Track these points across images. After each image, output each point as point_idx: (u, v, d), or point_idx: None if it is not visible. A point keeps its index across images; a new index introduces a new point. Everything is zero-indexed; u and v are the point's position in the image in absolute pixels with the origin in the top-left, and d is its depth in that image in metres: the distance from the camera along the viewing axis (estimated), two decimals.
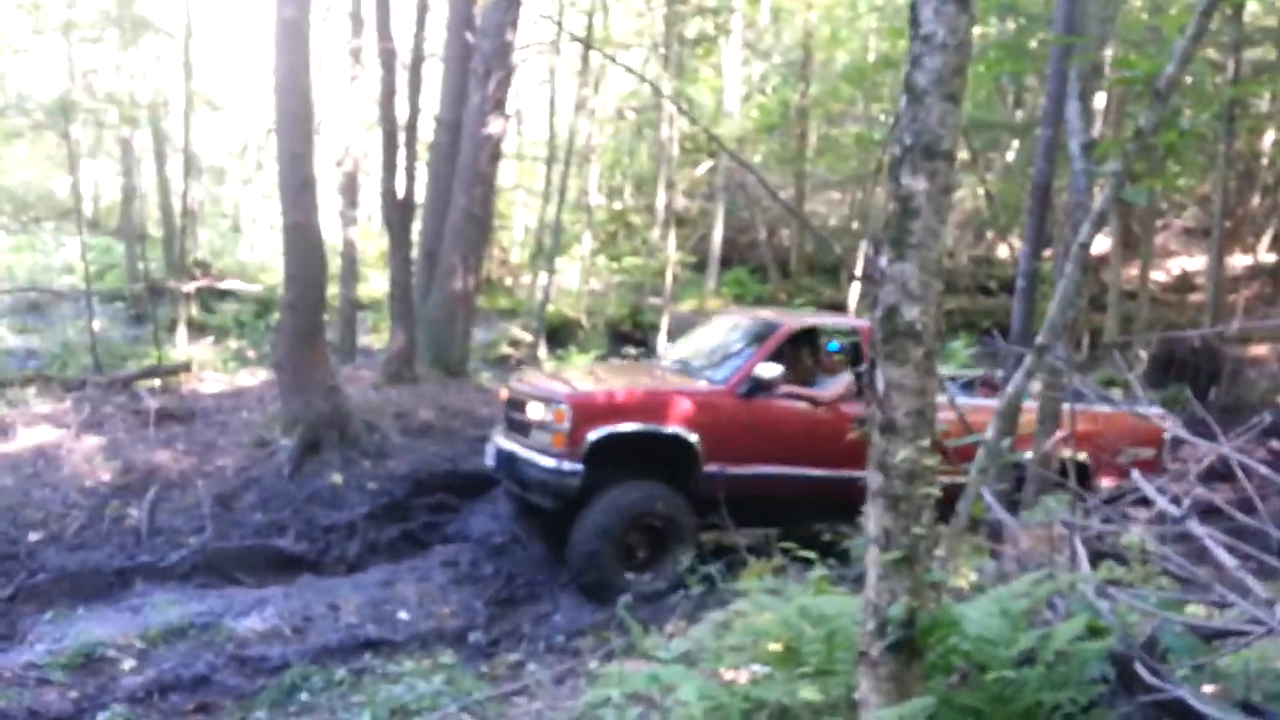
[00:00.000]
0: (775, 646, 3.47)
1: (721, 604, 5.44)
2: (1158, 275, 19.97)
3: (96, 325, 11.81)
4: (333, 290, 12.67)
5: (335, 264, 13.69)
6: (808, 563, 4.91)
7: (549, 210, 17.99)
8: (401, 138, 11.64)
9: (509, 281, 20.84)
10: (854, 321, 9.02)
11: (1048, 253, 10.83)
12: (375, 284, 17.08)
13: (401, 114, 11.88)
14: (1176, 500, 3.88)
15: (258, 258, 18.88)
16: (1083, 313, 16.80)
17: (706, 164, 21.51)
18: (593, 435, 7.16)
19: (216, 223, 20.42)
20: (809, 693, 2.80)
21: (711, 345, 8.64)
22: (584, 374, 9.00)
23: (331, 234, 13.21)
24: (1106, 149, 3.50)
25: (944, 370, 8.90)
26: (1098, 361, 14.94)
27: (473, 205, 12.02)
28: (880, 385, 2.53)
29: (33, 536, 7.54)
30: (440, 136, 12.71)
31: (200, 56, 17.62)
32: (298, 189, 10.65)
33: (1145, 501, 4.92)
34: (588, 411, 7.25)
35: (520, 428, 7.67)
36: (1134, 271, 18.51)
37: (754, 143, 21.21)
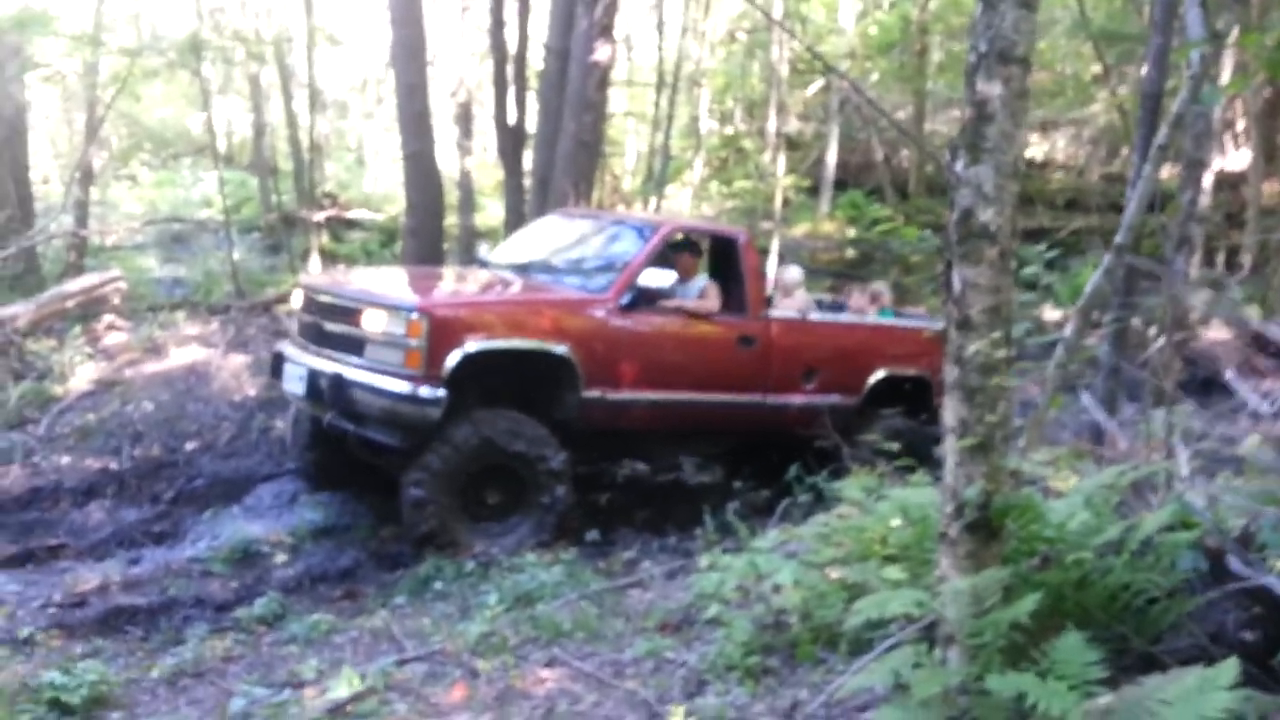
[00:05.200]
0: (869, 538, 3.69)
1: (827, 511, 5.66)
2: None
3: (236, 254, 12.53)
4: (452, 220, 13.11)
5: (454, 195, 14.14)
6: (910, 469, 5.11)
7: (659, 137, 18.06)
8: (512, 67, 11.88)
9: (622, 209, 21.06)
10: (733, 230, 8.23)
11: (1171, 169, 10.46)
12: (492, 212, 17.52)
13: (512, 43, 12.11)
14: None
15: (381, 189, 19.53)
16: (1219, 230, 16.17)
17: (817, 84, 21.14)
18: (457, 353, 5.95)
19: (342, 156, 21.14)
20: (893, 572, 3.02)
21: (561, 248, 7.47)
22: (413, 279, 7.72)
23: (449, 164, 13.62)
24: (1185, 50, 3.46)
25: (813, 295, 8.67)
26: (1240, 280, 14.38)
27: (582, 132, 12.19)
28: (956, 284, 2.68)
29: (189, 446, 8.28)
30: (550, 64, 12.88)
31: None
32: (415, 119, 11.06)
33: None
34: (451, 324, 6.01)
35: (343, 342, 6.26)
36: (1277, 187, 17.59)
37: (871, 60, 20.71)
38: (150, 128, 21.32)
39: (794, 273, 8.35)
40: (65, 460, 7.86)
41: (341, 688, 3.88)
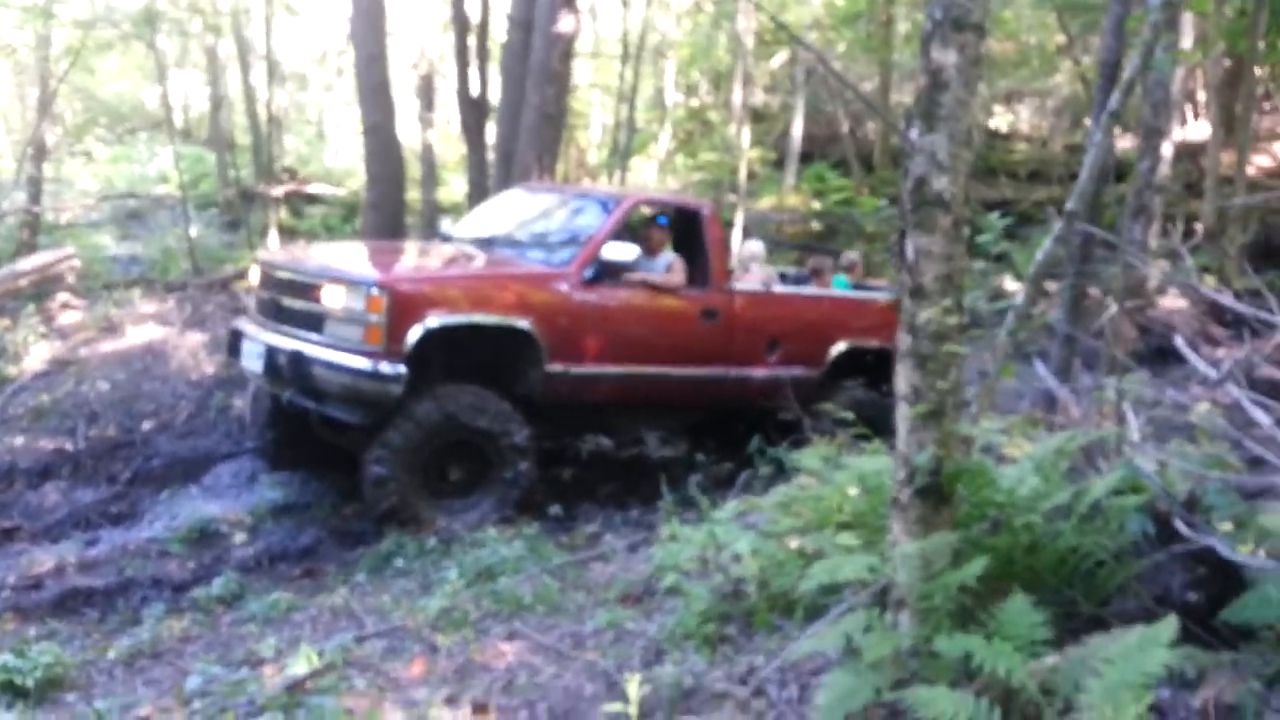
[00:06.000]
0: (827, 507, 3.71)
1: (788, 482, 5.69)
2: (1262, 160, 19.10)
3: (193, 231, 12.34)
4: (414, 194, 12.94)
5: (416, 168, 13.97)
6: (867, 438, 5.12)
7: (624, 109, 17.97)
8: (474, 38, 11.75)
9: (586, 182, 20.94)
10: (697, 202, 8.03)
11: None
12: (455, 187, 17.36)
13: (474, 13, 11.97)
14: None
15: (342, 163, 19.32)
16: (1178, 199, 16.32)
17: (782, 55, 21.08)
18: (419, 329, 5.89)
19: (302, 129, 20.84)
20: (847, 539, 3.03)
21: (522, 222, 7.43)
22: (373, 254, 7.65)
23: (410, 138, 13.45)
24: (1137, 21, 3.47)
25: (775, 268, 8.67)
26: (1195, 249, 14.54)
27: (546, 104, 12.09)
28: (910, 252, 2.69)
29: (146, 425, 8.18)
30: (513, 35, 12.75)
31: None
32: (375, 91, 10.91)
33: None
34: (412, 299, 5.96)
35: (303, 319, 6.17)
36: (1235, 157, 17.76)
37: (837, 31, 20.63)
38: (105, 102, 20.90)
39: (751, 247, 8.34)
40: (19, 441, 7.75)
41: (300, 665, 3.85)
